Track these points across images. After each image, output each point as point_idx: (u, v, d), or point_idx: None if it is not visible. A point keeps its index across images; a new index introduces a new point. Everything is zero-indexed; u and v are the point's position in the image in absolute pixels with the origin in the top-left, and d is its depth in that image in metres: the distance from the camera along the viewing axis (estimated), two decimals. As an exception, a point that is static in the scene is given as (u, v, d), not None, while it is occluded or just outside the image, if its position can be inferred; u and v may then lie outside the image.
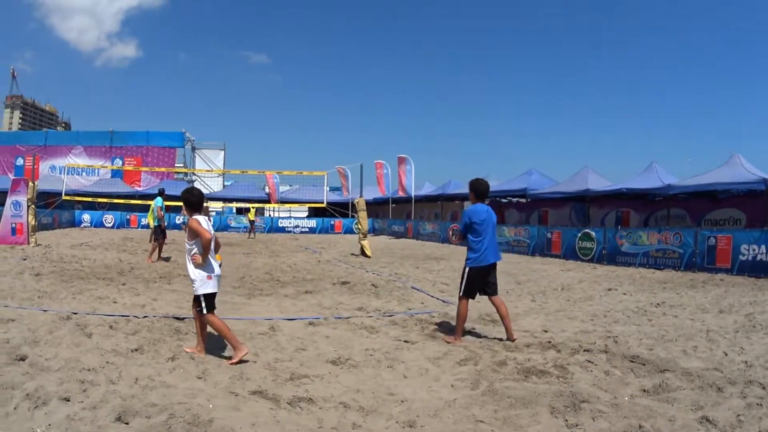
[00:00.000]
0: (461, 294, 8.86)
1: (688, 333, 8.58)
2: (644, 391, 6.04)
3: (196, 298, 7.54)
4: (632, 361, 7.08)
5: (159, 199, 19.57)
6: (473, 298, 8.94)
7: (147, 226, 25.23)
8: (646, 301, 11.31)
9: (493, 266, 8.98)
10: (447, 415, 5.56)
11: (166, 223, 20.86)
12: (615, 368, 6.89)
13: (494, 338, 8.63)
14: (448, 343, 8.55)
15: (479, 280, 8.83)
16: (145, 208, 37.95)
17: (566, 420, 5.27)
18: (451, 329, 9.21)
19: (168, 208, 19.85)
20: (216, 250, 7.76)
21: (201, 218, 7.49)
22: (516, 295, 12.70)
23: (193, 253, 7.42)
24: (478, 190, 9.24)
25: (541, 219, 30.93)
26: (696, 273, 15.39)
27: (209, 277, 7.51)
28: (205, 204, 14.86)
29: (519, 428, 5.15)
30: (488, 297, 8.91)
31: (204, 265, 7.47)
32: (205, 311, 7.56)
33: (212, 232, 7.52)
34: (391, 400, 6.05)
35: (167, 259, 19.58)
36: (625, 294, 12.20)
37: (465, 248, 9.39)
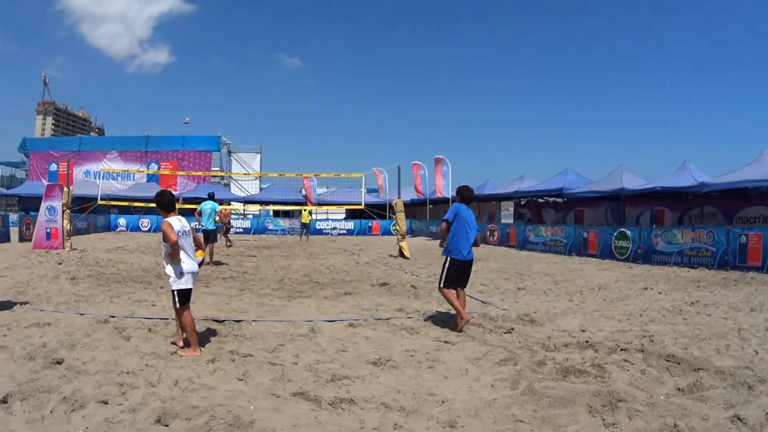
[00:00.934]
0: (442, 285, 9.82)
1: (721, 332, 8.58)
2: (679, 390, 6.07)
3: (171, 293, 7.90)
4: (668, 360, 7.10)
5: (214, 203, 19.62)
6: (454, 288, 9.85)
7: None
8: (681, 300, 11.26)
9: (471, 262, 10.03)
10: (487, 415, 5.62)
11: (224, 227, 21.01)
12: (651, 367, 6.92)
13: (533, 339, 8.64)
14: (463, 319, 9.35)
15: (461, 272, 9.85)
16: (183, 212, 38.15)
17: (604, 419, 5.33)
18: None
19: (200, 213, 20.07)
20: (199, 248, 8.29)
21: (173, 219, 7.86)
22: (554, 295, 12.70)
23: (167, 252, 7.79)
24: (464, 194, 10.22)
25: (577, 218, 30.75)
26: (728, 271, 15.29)
27: (181, 274, 7.83)
28: (223, 207, 15.13)
29: (558, 428, 5.22)
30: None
31: (176, 263, 7.80)
32: (177, 305, 7.91)
33: (186, 230, 7.91)
34: (431, 401, 6.11)
35: (218, 263, 19.61)
36: (660, 293, 12.15)
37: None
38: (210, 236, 19.07)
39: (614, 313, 10.41)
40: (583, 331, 9.11)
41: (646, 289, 12.92)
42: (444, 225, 10.03)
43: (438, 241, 11.32)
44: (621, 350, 7.71)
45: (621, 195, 26.25)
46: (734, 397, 5.69)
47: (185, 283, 7.92)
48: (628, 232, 19.26)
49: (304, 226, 36.25)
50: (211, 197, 20.19)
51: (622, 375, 6.71)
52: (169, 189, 8.46)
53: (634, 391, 6.08)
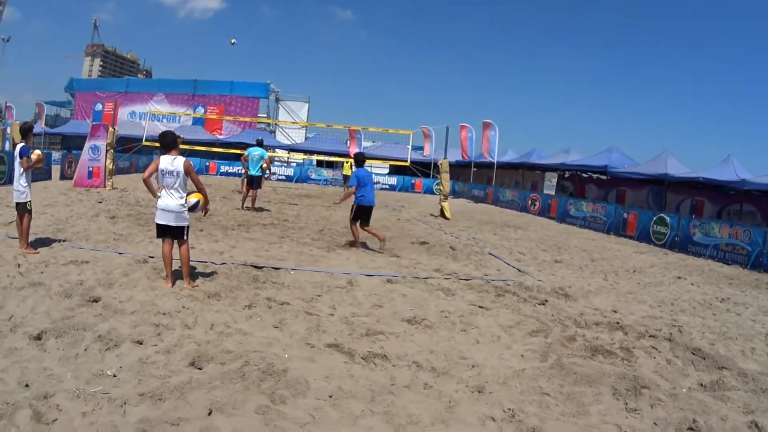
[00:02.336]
0: (352, 219, 13.28)
1: (748, 333, 8.47)
2: (702, 385, 6.07)
3: None
4: (694, 354, 7.08)
5: (263, 150, 19.34)
6: (356, 222, 13.11)
7: (227, 174, 25.12)
8: (712, 295, 11.16)
9: (372, 207, 13.25)
10: (515, 384, 5.73)
11: (268, 174, 20.89)
12: (677, 358, 6.93)
13: (565, 313, 8.68)
14: (381, 239, 13.17)
15: (364, 213, 13.05)
16: (226, 156, 37.75)
17: (626, 403, 5.41)
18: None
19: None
20: (199, 191, 8.53)
21: (162, 158, 8.21)
22: (589, 272, 12.66)
23: None
24: (358, 159, 13.86)
25: (619, 198, 30.40)
26: (761, 273, 15.00)
27: (155, 209, 8.25)
28: (271, 153, 15.32)
29: (581, 406, 5.31)
30: (363, 227, 13.21)
31: (156, 198, 8.23)
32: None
33: (171, 170, 8.12)
34: (462, 364, 6.22)
35: (259, 210, 19.46)
36: (693, 284, 12.05)
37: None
38: (254, 182, 18.91)
39: (646, 297, 10.39)
40: (615, 312, 9.10)
41: (679, 278, 12.82)
42: (353, 188, 13.16)
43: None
44: (650, 336, 7.72)
45: (664, 180, 25.89)
46: (754, 403, 5.68)
47: (156, 217, 8.26)
48: (668, 219, 19.04)
49: (345, 178, 35.89)
50: (259, 144, 20.01)
51: (648, 362, 6.74)
52: (172, 131, 8.63)
53: (658, 380, 6.13)
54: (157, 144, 8.91)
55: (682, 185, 26.09)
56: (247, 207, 19.11)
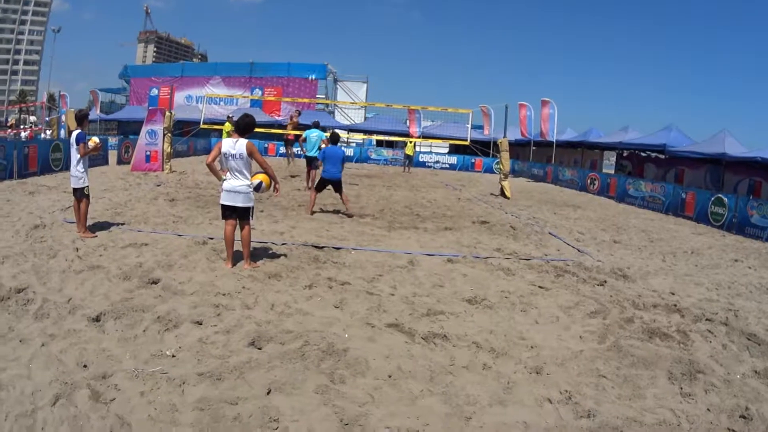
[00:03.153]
0: (313, 187, 14.65)
1: None
2: (756, 372, 5.95)
3: None
4: (749, 339, 6.94)
5: (320, 131, 19.40)
6: (320, 191, 14.37)
7: (285, 155, 25.21)
8: None
9: (330, 180, 14.14)
10: (573, 365, 5.76)
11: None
12: (732, 343, 6.82)
13: (624, 295, 8.59)
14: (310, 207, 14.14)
15: (322, 184, 14.15)
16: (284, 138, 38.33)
17: (681, 388, 5.38)
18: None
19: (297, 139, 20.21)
20: (264, 172, 8.64)
21: (225, 141, 8.29)
22: (648, 253, 12.47)
23: None
24: (332, 138, 15.10)
25: (677, 177, 29.69)
26: (821, 259, 14.48)
27: (221, 190, 8.33)
28: (340, 133, 15.67)
29: (637, 389, 5.31)
30: (338, 193, 14.45)
31: (220, 181, 8.33)
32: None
33: (233, 153, 8.14)
34: (521, 345, 6.25)
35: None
36: (750, 268, 11.75)
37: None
38: (313, 163, 18.85)
39: (704, 280, 10.20)
40: (673, 294, 8.98)
41: (736, 260, 12.51)
42: (319, 162, 14.57)
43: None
44: (706, 320, 7.62)
45: (722, 160, 25.24)
46: None
47: (221, 199, 8.35)
48: (725, 199, 18.55)
49: (407, 157, 35.70)
50: (316, 125, 20.04)
51: (704, 346, 6.66)
52: (250, 114, 8.74)
53: (713, 365, 6.06)
54: (215, 126, 9.15)
55: (739, 165, 25.33)
56: (306, 187, 19.28)
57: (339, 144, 15.06)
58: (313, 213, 14.01)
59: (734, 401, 5.18)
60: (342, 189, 14.32)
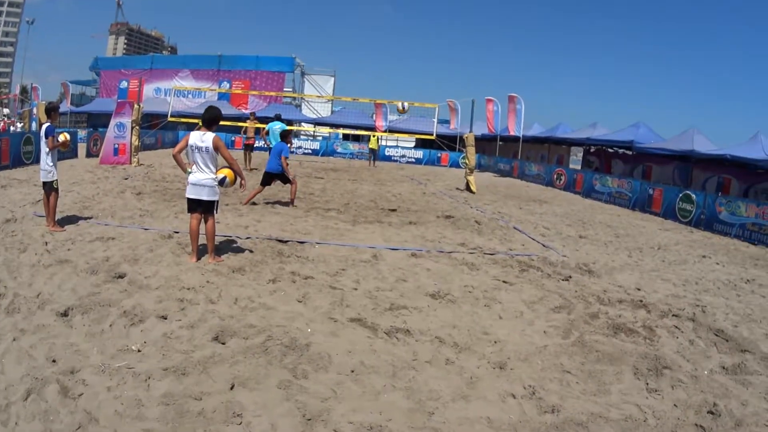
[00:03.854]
0: (260, 182, 14.49)
1: None
2: (723, 368, 5.98)
3: None
4: (716, 335, 6.98)
5: (283, 124, 19.87)
6: (265, 185, 14.42)
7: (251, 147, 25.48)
8: (737, 275, 10.95)
9: (268, 173, 14.25)
10: (536, 360, 5.74)
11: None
12: (699, 339, 6.85)
13: (589, 290, 8.62)
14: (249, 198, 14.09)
15: (266, 178, 14.27)
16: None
17: (647, 384, 5.38)
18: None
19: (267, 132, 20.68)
20: (230, 166, 8.54)
21: (193, 134, 8.23)
22: (614, 248, 12.56)
23: None
24: (282, 135, 14.96)
25: (645, 174, 30.03)
26: (787, 256, 14.68)
27: (187, 183, 8.27)
28: (297, 127, 15.82)
29: (602, 385, 5.29)
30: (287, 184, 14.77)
31: (186, 174, 8.29)
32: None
33: (199, 146, 8.09)
34: (485, 340, 6.23)
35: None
36: (718, 264, 11.86)
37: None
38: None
39: (671, 276, 10.26)
40: (639, 289, 9.02)
41: (704, 256, 12.62)
42: (285, 159, 14.22)
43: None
44: (673, 315, 7.65)
45: (690, 157, 25.54)
46: None
47: (187, 192, 8.29)
48: (693, 196, 18.75)
49: (372, 151, 35.78)
50: (278, 118, 20.75)
51: (670, 341, 6.68)
52: (217, 107, 8.68)
53: (680, 360, 6.08)
54: (183, 119, 9.02)
55: (708, 162, 25.69)
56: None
57: (290, 139, 15.25)
58: (248, 203, 13.98)
59: (702, 397, 5.18)
60: (289, 180, 14.37)
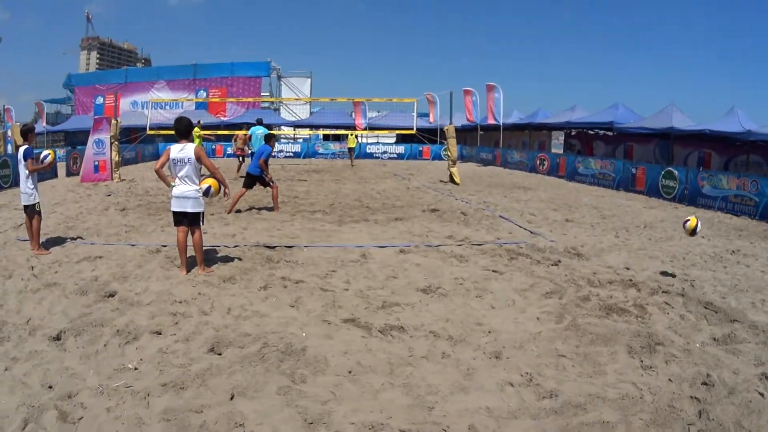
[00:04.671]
0: (243, 185, 14.49)
1: (758, 285, 8.41)
2: (714, 339, 6.11)
3: None
4: (706, 308, 7.12)
5: (265, 129, 20.07)
6: (247, 188, 14.47)
7: (233, 155, 25.70)
8: (723, 247, 11.11)
9: (250, 175, 14.27)
10: (531, 347, 5.82)
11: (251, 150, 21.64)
12: (689, 313, 6.97)
13: (579, 273, 8.73)
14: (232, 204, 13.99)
15: (249, 181, 14.28)
16: (232, 138, 38.22)
17: (642, 361, 5.48)
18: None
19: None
20: (213, 176, 8.54)
21: (173, 147, 8.25)
22: (601, 230, 12.70)
23: None
24: (266, 138, 14.92)
25: (626, 153, 30.22)
26: (769, 224, 14.92)
27: (171, 197, 8.31)
28: (277, 131, 15.90)
29: (598, 365, 5.38)
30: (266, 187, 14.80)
31: (169, 187, 8.32)
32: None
33: (181, 158, 8.12)
34: (478, 331, 6.30)
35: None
36: (703, 238, 11.98)
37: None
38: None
39: (658, 253, 10.40)
40: (628, 269, 9.14)
41: (690, 232, 12.72)
42: (264, 161, 14.11)
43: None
44: (663, 292, 7.77)
45: (670, 134, 25.75)
46: (765, 355, 5.66)
47: (172, 206, 8.35)
48: (676, 172, 18.93)
49: (350, 150, 35.67)
50: (259, 122, 21.01)
51: (662, 318, 6.79)
52: (187, 117, 8.71)
53: (672, 336, 6.18)
54: (162, 132, 9.05)
55: (688, 138, 25.91)
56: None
57: (273, 142, 15.06)
58: (232, 210, 14.12)
59: (695, 369, 5.29)
60: (267, 184, 14.42)
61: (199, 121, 26.47)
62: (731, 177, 16.80)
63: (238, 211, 14.09)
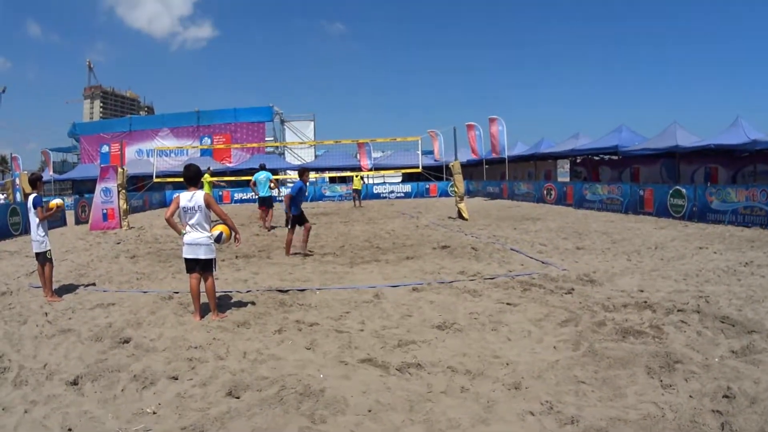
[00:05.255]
0: (288, 227, 14.51)
1: None
2: (733, 352, 6.10)
3: None
4: (722, 322, 7.11)
5: (267, 173, 20.99)
6: (292, 228, 14.36)
7: (241, 201, 26.04)
8: (735, 261, 11.11)
9: (299, 215, 14.17)
10: (550, 376, 5.78)
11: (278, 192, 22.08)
12: (706, 329, 6.96)
13: (593, 299, 8.71)
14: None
15: (295, 220, 14.17)
16: (238, 184, 38.29)
17: (661, 381, 5.45)
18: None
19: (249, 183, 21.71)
20: (223, 222, 8.61)
21: (182, 194, 8.35)
22: (612, 255, 12.68)
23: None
24: (302, 176, 14.48)
25: (633, 176, 30.29)
26: (781, 232, 14.88)
27: (183, 244, 8.41)
28: (283, 175, 16.12)
29: (617, 389, 5.36)
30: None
31: (180, 235, 8.40)
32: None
33: (192, 206, 8.24)
34: (496, 363, 6.25)
35: (273, 228, 20.48)
36: (715, 253, 11.99)
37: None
38: (266, 202, 20.85)
39: (671, 272, 10.38)
40: (641, 291, 9.12)
41: (701, 248, 12.78)
42: (288, 196, 14.05)
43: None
44: (678, 311, 7.75)
45: (675, 152, 25.80)
46: None
47: (184, 253, 8.42)
48: (683, 190, 18.98)
49: (356, 191, 35.70)
50: (262, 168, 21.53)
51: (678, 336, 6.78)
52: (195, 164, 8.85)
53: (690, 353, 6.17)
54: (168, 179, 9.14)
55: (693, 155, 26.00)
56: (270, 227, 20.50)
57: (306, 176, 14.86)
58: (289, 254, 14.22)
59: (715, 384, 5.27)
60: (303, 222, 14.45)
61: (209, 168, 26.89)
62: (740, 189, 16.82)
63: (296, 254, 14.30)
